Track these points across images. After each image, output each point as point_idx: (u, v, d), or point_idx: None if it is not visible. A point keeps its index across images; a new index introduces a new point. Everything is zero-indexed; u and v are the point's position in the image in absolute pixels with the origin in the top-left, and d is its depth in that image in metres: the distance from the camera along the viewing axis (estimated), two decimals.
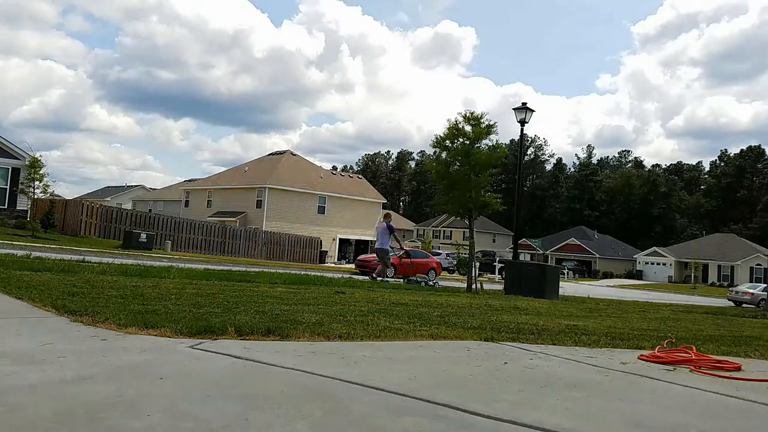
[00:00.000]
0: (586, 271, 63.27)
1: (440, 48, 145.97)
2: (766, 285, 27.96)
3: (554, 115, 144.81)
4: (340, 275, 15.63)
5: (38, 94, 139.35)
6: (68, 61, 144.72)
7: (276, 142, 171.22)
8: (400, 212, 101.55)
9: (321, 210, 42.96)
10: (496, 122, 14.07)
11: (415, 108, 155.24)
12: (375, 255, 27.44)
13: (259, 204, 40.21)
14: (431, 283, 14.95)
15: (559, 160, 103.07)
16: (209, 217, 39.48)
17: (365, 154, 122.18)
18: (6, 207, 24.33)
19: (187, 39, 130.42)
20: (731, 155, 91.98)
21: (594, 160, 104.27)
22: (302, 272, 16.14)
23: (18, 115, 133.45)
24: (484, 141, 13.91)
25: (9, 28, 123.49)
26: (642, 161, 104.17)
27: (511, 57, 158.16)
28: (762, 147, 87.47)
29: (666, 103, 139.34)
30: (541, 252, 70.24)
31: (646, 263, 65.58)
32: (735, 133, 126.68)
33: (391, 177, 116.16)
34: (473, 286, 13.69)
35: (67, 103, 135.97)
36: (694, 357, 3.73)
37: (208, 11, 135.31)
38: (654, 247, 67.89)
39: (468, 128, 13.86)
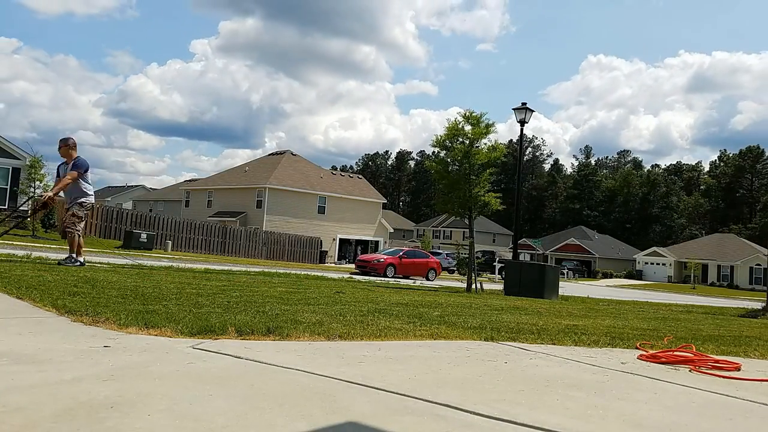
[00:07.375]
0: (585, 271, 63.25)
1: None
2: None
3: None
4: (339, 275, 15.65)
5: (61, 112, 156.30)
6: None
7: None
8: (400, 212, 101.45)
9: (321, 210, 42.94)
10: (494, 122, 14.15)
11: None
12: (375, 255, 27.26)
13: (259, 204, 40.19)
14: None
15: (556, 161, 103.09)
16: (209, 217, 39.47)
17: (365, 154, 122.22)
18: (6, 207, 24.33)
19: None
20: (731, 155, 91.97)
21: (593, 161, 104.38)
22: (302, 272, 16.14)
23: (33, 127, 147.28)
24: (483, 141, 13.96)
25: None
26: (641, 161, 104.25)
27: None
28: (762, 147, 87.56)
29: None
30: (541, 252, 70.22)
31: (646, 263, 65.57)
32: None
33: (390, 177, 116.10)
34: (473, 286, 13.70)
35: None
36: (693, 357, 3.74)
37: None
38: (653, 247, 67.92)
39: (468, 128, 13.90)
